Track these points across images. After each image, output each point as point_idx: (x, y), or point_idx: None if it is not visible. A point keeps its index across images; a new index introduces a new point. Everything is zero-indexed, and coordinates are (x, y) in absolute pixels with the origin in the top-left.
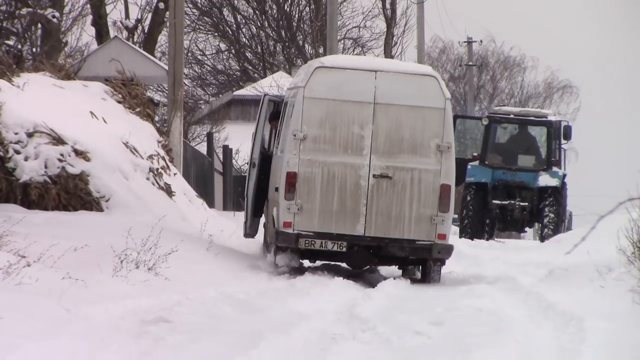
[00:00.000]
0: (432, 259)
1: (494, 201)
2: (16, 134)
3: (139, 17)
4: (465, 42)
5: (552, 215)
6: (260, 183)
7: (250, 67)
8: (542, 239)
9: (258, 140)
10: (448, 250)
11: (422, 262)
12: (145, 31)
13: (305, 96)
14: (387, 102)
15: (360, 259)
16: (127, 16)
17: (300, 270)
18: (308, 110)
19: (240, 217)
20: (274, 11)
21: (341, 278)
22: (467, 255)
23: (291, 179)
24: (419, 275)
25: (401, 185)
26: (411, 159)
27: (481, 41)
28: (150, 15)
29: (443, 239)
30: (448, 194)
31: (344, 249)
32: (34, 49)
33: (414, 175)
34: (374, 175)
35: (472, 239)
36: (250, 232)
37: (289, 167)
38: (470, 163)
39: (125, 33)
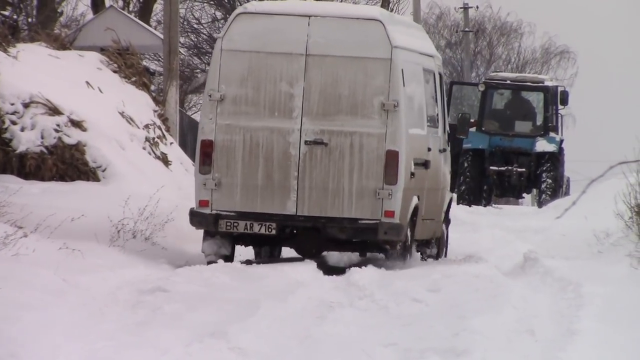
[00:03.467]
0: (380, 241)
1: (491, 167)
2: (12, 104)
3: None
4: (461, 8)
5: (549, 181)
6: None
7: None
8: (540, 204)
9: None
10: (397, 230)
11: (375, 240)
12: (141, 0)
13: (223, 49)
14: (322, 53)
15: (305, 241)
16: None
17: None
18: (226, 65)
19: None
20: None
21: None
22: (464, 221)
23: (206, 149)
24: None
25: (339, 153)
26: (351, 121)
27: (477, 7)
28: None
29: (391, 216)
30: (396, 161)
31: (273, 232)
32: (29, 19)
33: (354, 141)
34: (306, 142)
35: (470, 206)
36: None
37: (203, 134)
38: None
39: (120, 2)
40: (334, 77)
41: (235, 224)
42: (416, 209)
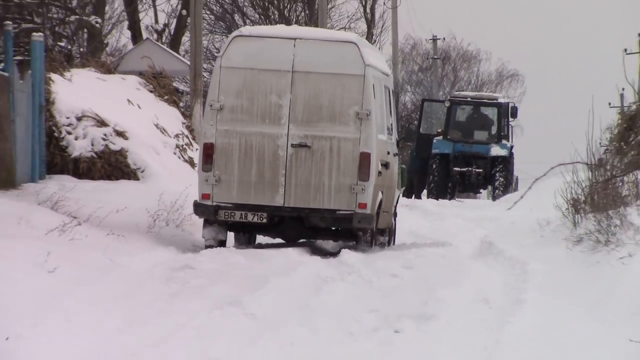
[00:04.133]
0: (354, 229)
1: (454, 168)
2: (67, 118)
3: (166, 22)
4: (431, 39)
5: (501, 179)
6: None
7: None
8: (494, 198)
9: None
10: (369, 219)
11: (352, 234)
12: (171, 33)
13: (222, 66)
14: (306, 70)
15: (289, 229)
16: (156, 21)
17: None
18: (225, 80)
19: None
20: (276, 16)
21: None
22: (433, 212)
23: (208, 150)
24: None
25: (320, 154)
26: (330, 128)
27: (444, 38)
28: (175, 20)
29: (364, 208)
30: (368, 162)
31: (265, 220)
32: (81, 49)
33: (332, 144)
34: (292, 145)
35: (437, 199)
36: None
37: (205, 138)
38: (436, 138)
39: (155, 35)
40: (316, 90)
41: (232, 214)
42: (380, 202)
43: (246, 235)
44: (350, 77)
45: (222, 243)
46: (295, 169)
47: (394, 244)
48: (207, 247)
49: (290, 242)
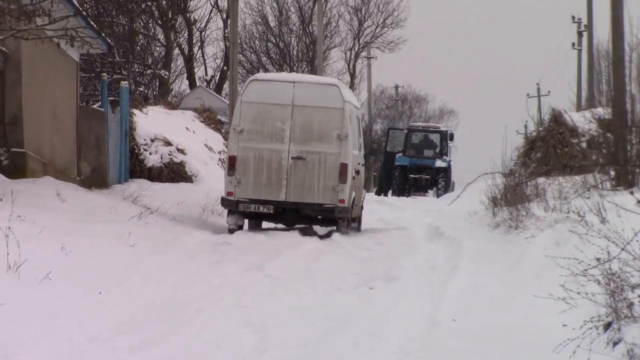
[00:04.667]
0: (336, 218)
1: (410, 175)
2: (144, 140)
3: (213, 74)
4: (394, 86)
5: (443, 183)
6: None
7: None
8: (438, 196)
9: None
10: (346, 211)
11: (333, 221)
12: (216, 82)
13: (242, 101)
14: (302, 104)
15: (288, 218)
16: (206, 73)
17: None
18: (244, 111)
19: None
20: (288, 71)
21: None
22: (396, 205)
23: (232, 161)
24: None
25: (312, 164)
26: (319, 145)
27: (403, 86)
28: (219, 73)
29: (342, 202)
30: (345, 170)
31: (271, 211)
32: (154, 93)
33: (321, 157)
34: (292, 157)
35: (399, 197)
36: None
37: (230, 151)
38: (397, 154)
39: (205, 83)
40: (309, 119)
41: (248, 206)
42: (353, 199)
43: (256, 222)
44: (333, 110)
45: (240, 227)
46: (294, 174)
47: (360, 230)
48: (230, 230)
49: (292, 227)
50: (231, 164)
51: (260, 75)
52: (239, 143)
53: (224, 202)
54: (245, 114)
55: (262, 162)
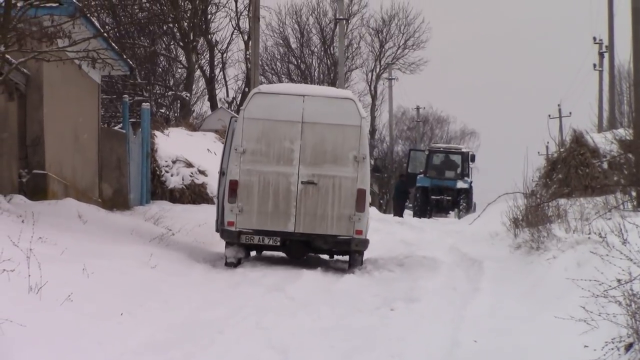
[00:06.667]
0: (353, 252)
1: (432, 197)
2: (166, 161)
3: (234, 95)
4: (415, 108)
5: (464, 204)
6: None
7: None
8: (459, 217)
9: (226, 154)
10: (364, 243)
11: (347, 252)
12: (238, 103)
13: (245, 117)
14: (313, 121)
15: (296, 250)
16: (227, 95)
17: None
18: (247, 128)
19: None
20: None
21: None
22: (417, 226)
23: (233, 186)
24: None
25: (325, 190)
26: (333, 168)
27: (424, 107)
28: (240, 94)
29: (360, 234)
30: (363, 196)
31: (278, 244)
32: (175, 114)
33: (335, 182)
34: (302, 182)
35: (420, 218)
36: (220, 227)
37: (231, 175)
38: (419, 175)
39: (226, 104)
40: (321, 138)
41: (252, 238)
42: (368, 226)
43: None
44: (349, 127)
45: (239, 261)
46: (305, 202)
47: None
48: (227, 264)
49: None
50: (232, 190)
51: (265, 87)
52: (241, 165)
53: (224, 233)
54: (248, 132)
55: (268, 187)
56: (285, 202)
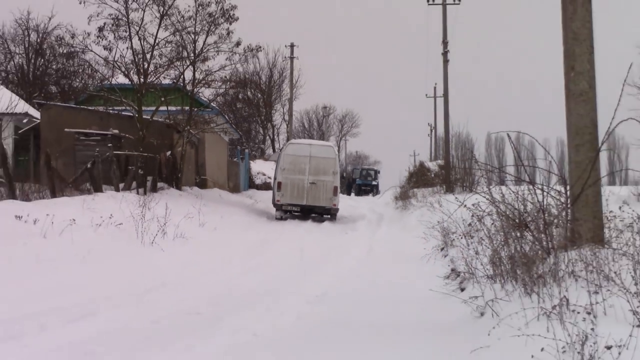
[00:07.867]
0: (332, 213)
1: (362, 187)
2: (255, 173)
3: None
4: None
5: (375, 190)
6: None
7: None
8: (374, 196)
9: (277, 169)
10: (336, 210)
11: (329, 213)
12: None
13: (284, 154)
14: (315, 155)
15: (306, 212)
16: (279, 145)
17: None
18: (284, 158)
19: None
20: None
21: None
22: (355, 200)
23: (279, 183)
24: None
25: (320, 186)
26: (323, 177)
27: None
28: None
29: (335, 206)
30: (336, 190)
31: (298, 210)
32: (258, 153)
33: (324, 183)
34: (309, 183)
35: (357, 196)
36: (273, 202)
37: (278, 179)
38: (357, 178)
39: (279, 150)
40: (317, 163)
41: (287, 206)
42: (338, 202)
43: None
44: (330, 159)
45: (281, 217)
46: (310, 191)
47: (336, 219)
48: (276, 218)
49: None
50: (279, 185)
51: (293, 140)
52: (282, 175)
53: (275, 205)
54: (285, 161)
55: (294, 184)
56: (301, 191)
